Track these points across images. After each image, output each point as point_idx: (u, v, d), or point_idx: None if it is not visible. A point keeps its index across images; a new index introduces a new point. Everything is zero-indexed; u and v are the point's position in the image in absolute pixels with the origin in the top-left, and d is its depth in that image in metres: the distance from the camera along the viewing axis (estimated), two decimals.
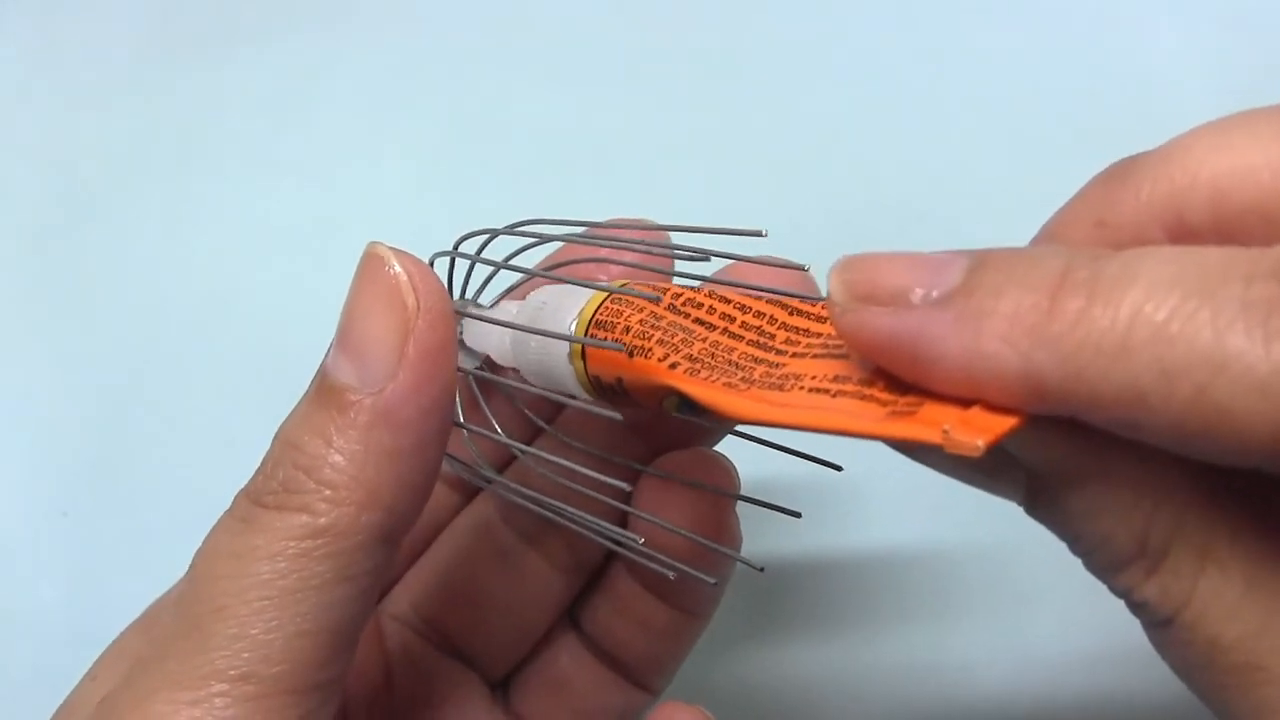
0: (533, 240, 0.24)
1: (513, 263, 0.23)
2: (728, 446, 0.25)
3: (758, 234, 0.20)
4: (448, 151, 0.38)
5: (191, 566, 0.19)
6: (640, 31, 0.39)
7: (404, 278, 0.19)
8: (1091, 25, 0.38)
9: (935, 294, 0.15)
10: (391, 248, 0.19)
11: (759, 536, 0.24)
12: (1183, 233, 0.16)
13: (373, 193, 0.37)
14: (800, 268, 0.21)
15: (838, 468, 0.22)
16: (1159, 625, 0.15)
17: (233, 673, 0.17)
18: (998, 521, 0.32)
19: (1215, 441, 0.13)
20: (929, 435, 0.14)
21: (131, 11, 0.40)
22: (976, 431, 0.14)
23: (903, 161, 0.36)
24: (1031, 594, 0.31)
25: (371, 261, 0.19)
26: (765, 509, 0.23)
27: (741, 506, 0.24)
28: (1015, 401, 0.14)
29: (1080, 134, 0.36)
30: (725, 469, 0.24)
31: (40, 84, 0.40)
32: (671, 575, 0.22)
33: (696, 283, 0.24)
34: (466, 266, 0.24)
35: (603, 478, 0.22)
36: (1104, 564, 0.16)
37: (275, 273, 0.36)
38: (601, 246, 0.24)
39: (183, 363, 0.35)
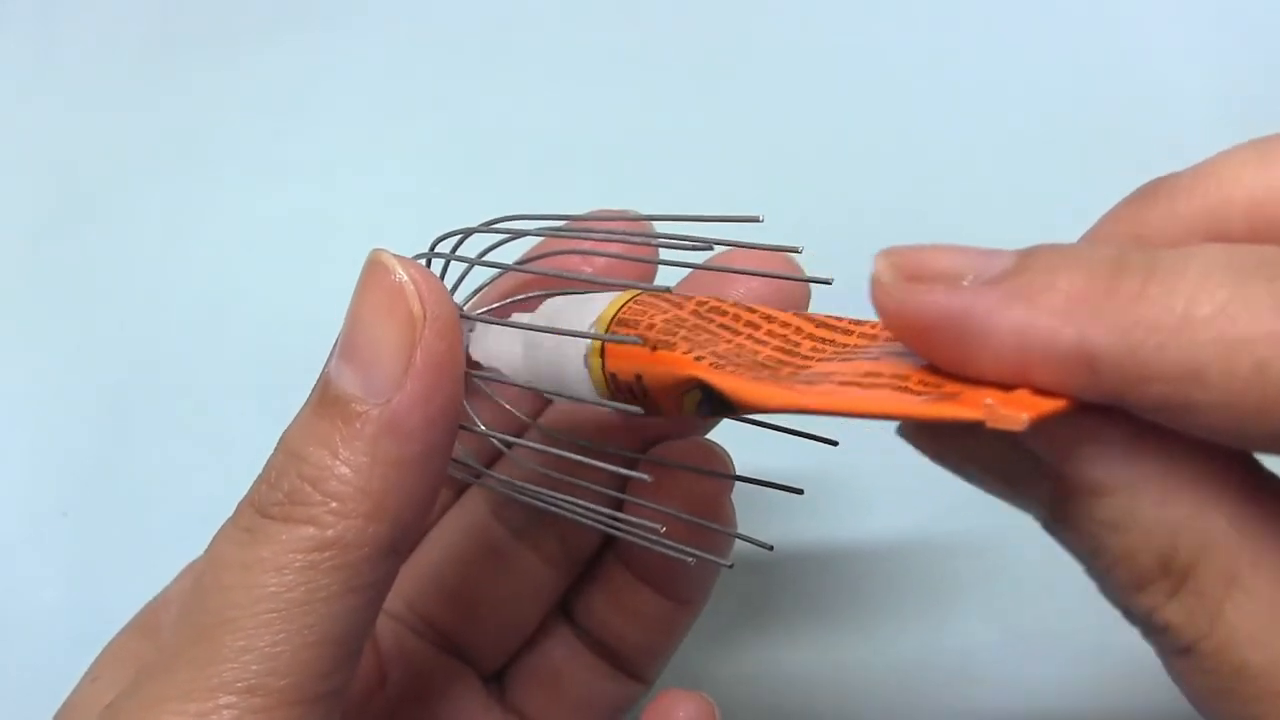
0: (506, 236, 0.23)
1: (490, 259, 0.23)
2: (719, 437, 0.25)
3: (755, 219, 0.20)
4: (449, 152, 0.38)
5: (198, 575, 0.19)
6: (641, 31, 0.39)
7: (409, 285, 0.18)
8: (1091, 25, 0.38)
9: (986, 277, 0.15)
10: (395, 254, 0.19)
11: (750, 529, 0.24)
12: None
13: (373, 194, 0.37)
14: (795, 250, 0.21)
15: (833, 443, 0.22)
16: (1179, 652, 0.15)
17: (240, 685, 0.17)
18: (997, 509, 0.32)
19: (1271, 421, 0.13)
20: (971, 413, 0.14)
21: (132, 12, 0.40)
22: (1021, 407, 0.14)
23: (902, 162, 0.36)
24: (1029, 582, 0.31)
25: (375, 268, 0.19)
26: (762, 497, 0.23)
27: (737, 498, 0.24)
28: (1065, 382, 0.14)
29: (1080, 134, 0.36)
30: (720, 456, 0.24)
31: (40, 84, 0.40)
32: (691, 561, 0.22)
33: (686, 270, 0.24)
34: (441, 267, 0.24)
35: (609, 467, 0.22)
36: (1125, 582, 0.15)
37: (276, 273, 0.36)
38: (583, 239, 0.24)
39: (183, 363, 0.35)
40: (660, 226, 0.23)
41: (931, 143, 0.36)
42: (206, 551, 0.19)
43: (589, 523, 0.23)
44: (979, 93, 0.37)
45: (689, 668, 0.30)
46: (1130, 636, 0.16)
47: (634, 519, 0.23)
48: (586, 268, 0.24)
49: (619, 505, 0.24)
